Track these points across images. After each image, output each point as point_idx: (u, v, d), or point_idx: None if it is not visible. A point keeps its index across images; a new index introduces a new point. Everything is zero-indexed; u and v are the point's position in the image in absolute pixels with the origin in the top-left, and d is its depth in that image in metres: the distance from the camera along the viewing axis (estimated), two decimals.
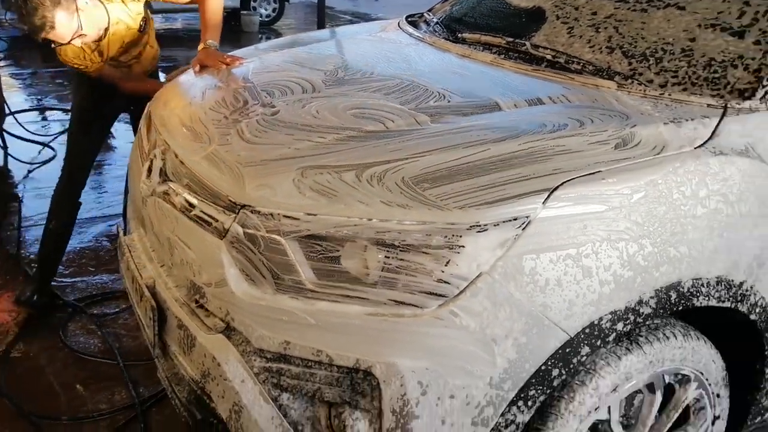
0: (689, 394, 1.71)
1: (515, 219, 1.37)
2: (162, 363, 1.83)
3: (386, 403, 1.38)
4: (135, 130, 3.06)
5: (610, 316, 1.45)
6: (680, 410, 1.72)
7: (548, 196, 1.39)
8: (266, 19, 10.81)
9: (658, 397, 1.66)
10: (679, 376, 1.68)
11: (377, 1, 14.34)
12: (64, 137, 4.95)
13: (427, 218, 1.37)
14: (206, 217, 1.60)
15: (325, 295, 1.43)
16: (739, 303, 1.61)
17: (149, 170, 1.89)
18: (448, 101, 1.78)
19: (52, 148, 4.68)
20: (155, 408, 2.34)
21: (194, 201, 1.66)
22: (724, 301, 1.58)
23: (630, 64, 1.87)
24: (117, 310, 2.88)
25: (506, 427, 1.44)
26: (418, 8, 2.96)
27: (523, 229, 1.37)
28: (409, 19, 2.70)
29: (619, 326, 1.47)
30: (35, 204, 3.76)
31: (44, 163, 4.43)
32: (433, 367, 1.36)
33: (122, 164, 4.29)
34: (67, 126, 5.15)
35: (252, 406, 1.48)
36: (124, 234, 2.14)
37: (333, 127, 1.70)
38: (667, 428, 1.72)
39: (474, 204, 1.37)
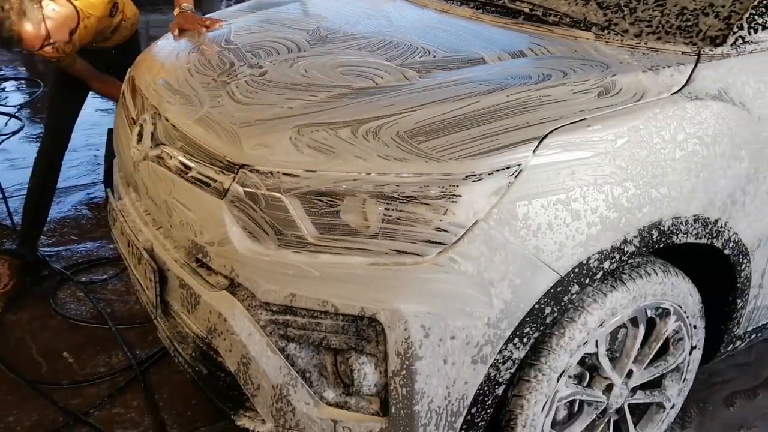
0: (669, 326, 1.82)
1: (508, 167, 1.44)
2: (163, 323, 1.88)
3: (391, 346, 1.46)
4: None
5: (597, 256, 1.53)
6: (661, 342, 1.83)
7: (538, 145, 1.46)
8: None
9: (641, 330, 1.76)
10: (660, 310, 1.78)
11: None
12: (29, 107, 4.91)
13: (424, 170, 1.44)
14: (204, 179, 1.64)
15: (328, 248, 1.49)
16: (714, 239, 1.71)
17: (139, 135, 1.91)
18: (434, 56, 1.83)
19: (19, 119, 4.61)
20: (153, 368, 2.39)
21: (190, 163, 1.69)
22: (701, 238, 1.68)
23: (605, 15, 1.94)
24: (105, 276, 2.91)
25: (503, 363, 1.53)
26: None
27: (516, 176, 1.44)
28: None
29: (606, 265, 1.56)
30: (9, 175, 3.72)
31: (13, 134, 4.37)
32: (434, 311, 1.44)
33: (92, 132, 4.26)
34: (30, 96, 5.11)
35: (260, 358, 1.55)
36: (114, 200, 2.17)
37: (323, 85, 1.74)
38: (649, 359, 1.84)
39: (468, 155, 1.44)
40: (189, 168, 1.69)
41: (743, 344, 2.10)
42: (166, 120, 1.83)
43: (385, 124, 1.53)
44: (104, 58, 2.90)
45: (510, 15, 2.09)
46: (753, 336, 2.09)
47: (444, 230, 1.43)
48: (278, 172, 1.51)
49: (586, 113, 1.52)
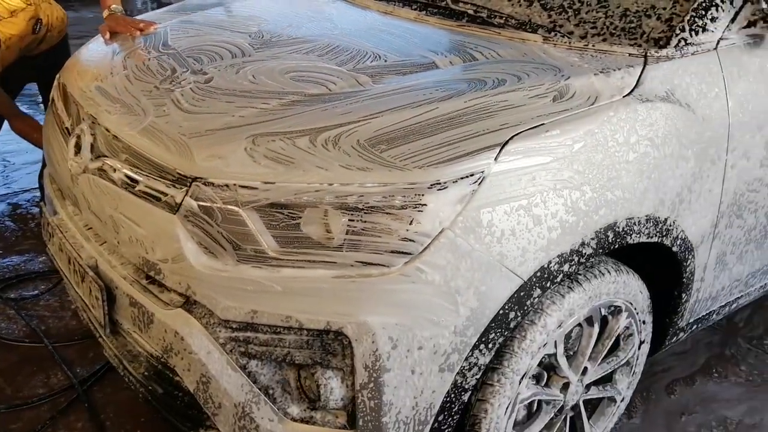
0: (621, 323, 1.86)
1: (471, 175, 1.43)
2: (111, 341, 1.80)
3: (359, 360, 1.43)
4: (45, 100, 2.93)
5: (557, 259, 1.55)
6: (613, 339, 1.87)
7: (500, 151, 1.46)
8: None
9: (596, 329, 1.79)
10: (612, 308, 1.82)
11: None
12: None
13: (388, 179, 1.41)
14: (154, 192, 1.57)
15: (290, 262, 1.45)
16: (664, 237, 1.76)
17: (77, 146, 1.82)
18: (385, 61, 1.81)
19: None
20: (96, 386, 2.29)
21: (137, 176, 1.62)
22: (652, 237, 1.72)
23: (550, 16, 1.96)
24: (36, 292, 2.76)
25: (469, 369, 1.53)
26: None
27: (479, 184, 1.43)
28: None
29: (565, 267, 1.57)
30: None
31: None
32: (402, 322, 1.42)
33: (9, 138, 4.04)
34: None
35: (220, 376, 1.50)
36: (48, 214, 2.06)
37: (274, 92, 1.69)
38: (603, 356, 1.88)
39: (432, 163, 1.42)
40: (136, 181, 1.62)
41: (685, 335, 2.18)
42: (107, 130, 1.74)
43: (344, 133, 1.50)
44: (32, 64, 2.76)
45: (454, 17, 2.08)
46: (694, 327, 2.16)
47: (410, 240, 1.41)
48: (234, 184, 1.47)
49: (543, 118, 1.53)
